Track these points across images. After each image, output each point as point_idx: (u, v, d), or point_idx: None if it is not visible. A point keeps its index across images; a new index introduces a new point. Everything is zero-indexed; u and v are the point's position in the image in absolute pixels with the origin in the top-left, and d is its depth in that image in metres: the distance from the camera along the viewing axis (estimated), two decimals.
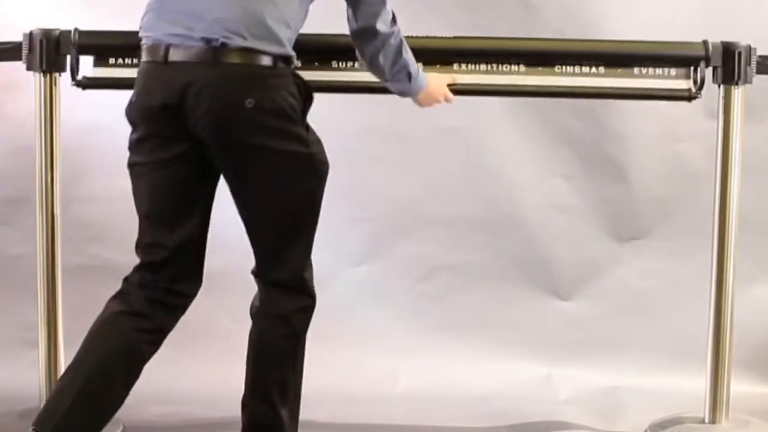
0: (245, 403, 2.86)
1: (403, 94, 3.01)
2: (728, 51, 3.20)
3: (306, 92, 2.76)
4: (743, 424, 3.37)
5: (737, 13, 3.77)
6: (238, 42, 2.66)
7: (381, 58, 2.88)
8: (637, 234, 3.95)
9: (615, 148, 3.91)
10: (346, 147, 3.64)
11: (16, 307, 3.70)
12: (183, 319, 3.87)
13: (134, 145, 2.77)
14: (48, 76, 3.17)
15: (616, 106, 3.87)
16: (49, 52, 3.14)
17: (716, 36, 3.27)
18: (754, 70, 3.22)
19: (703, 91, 3.66)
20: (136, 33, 3.19)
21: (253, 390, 2.84)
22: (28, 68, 3.18)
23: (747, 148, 3.27)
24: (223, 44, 2.65)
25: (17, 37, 3.17)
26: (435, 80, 3.09)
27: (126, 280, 2.86)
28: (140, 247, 2.88)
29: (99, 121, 3.79)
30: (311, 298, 2.87)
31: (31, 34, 3.16)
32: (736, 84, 3.20)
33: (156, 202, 2.81)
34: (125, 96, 3.76)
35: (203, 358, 3.77)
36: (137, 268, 2.86)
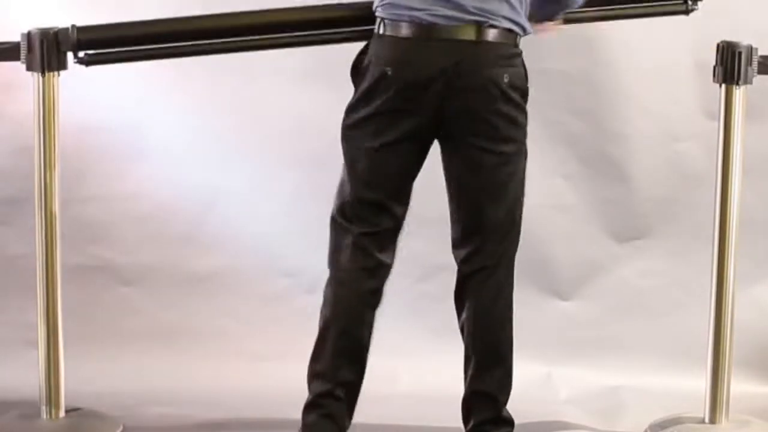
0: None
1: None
2: (729, 51, 3.20)
3: (526, 72, 3.01)
4: (743, 424, 3.37)
5: (737, 13, 3.77)
6: (500, 23, 2.90)
7: None
8: (637, 234, 3.95)
9: (615, 148, 3.90)
10: None
11: (16, 307, 3.69)
12: (183, 319, 3.88)
13: (366, 117, 2.92)
14: (47, 75, 3.17)
15: (616, 106, 3.87)
16: (49, 51, 3.14)
17: (716, 36, 3.27)
18: (755, 71, 3.22)
19: (703, 92, 3.67)
20: (134, 24, 3.19)
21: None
22: (28, 68, 3.17)
23: (747, 149, 3.27)
24: (491, 25, 2.89)
25: (15, 37, 3.17)
26: None
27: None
28: (354, 212, 3.01)
29: (99, 121, 3.79)
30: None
31: (29, 33, 3.15)
32: (737, 84, 3.20)
33: (378, 180, 2.98)
34: (125, 96, 3.79)
35: (203, 358, 3.77)
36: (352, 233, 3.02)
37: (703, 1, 3.68)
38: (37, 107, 3.18)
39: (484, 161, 2.96)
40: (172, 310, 3.87)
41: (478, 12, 2.88)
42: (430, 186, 3.87)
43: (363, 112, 2.94)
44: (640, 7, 3.32)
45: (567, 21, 3.32)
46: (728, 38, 3.24)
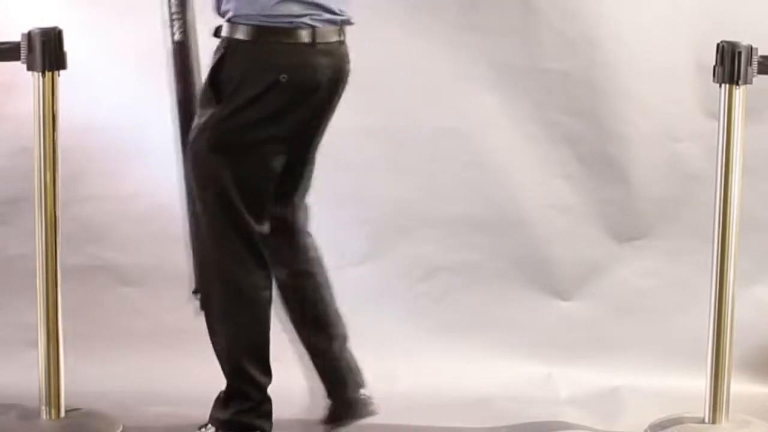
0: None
1: None
2: (729, 51, 3.20)
3: None
4: (743, 424, 3.37)
5: (738, 13, 3.77)
6: (352, 20, 3.03)
7: None
8: (637, 234, 3.95)
9: (615, 148, 3.90)
10: (346, 147, 3.64)
11: (16, 307, 3.69)
12: (183, 319, 3.88)
13: (258, 122, 2.93)
14: (47, 75, 3.17)
15: (616, 106, 3.88)
16: (49, 51, 3.14)
17: (717, 36, 3.27)
18: (755, 71, 3.22)
19: (703, 92, 3.67)
20: None
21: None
22: (28, 68, 3.17)
23: (747, 149, 3.27)
24: (349, 23, 3.01)
25: (15, 37, 3.17)
26: None
27: None
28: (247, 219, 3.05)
29: (99, 121, 3.79)
30: None
31: (29, 33, 3.16)
32: (737, 84, 3.20)
33: (263, 184, 3.02)
34: (125, 96, 3.79)
35: (203, 359, 3.76)
36: None
37: (704, 1, 3.70)
38: (37, 107, 3.19)
39: (314, 153, 3.08)
40: (173, 310, 3.86)
41: (341, 12, 2.99)
42: (430, 187, 3.89)
43: (248, 119, 2.93)
44: None
45: None
46: (728, 38, 3.24)
